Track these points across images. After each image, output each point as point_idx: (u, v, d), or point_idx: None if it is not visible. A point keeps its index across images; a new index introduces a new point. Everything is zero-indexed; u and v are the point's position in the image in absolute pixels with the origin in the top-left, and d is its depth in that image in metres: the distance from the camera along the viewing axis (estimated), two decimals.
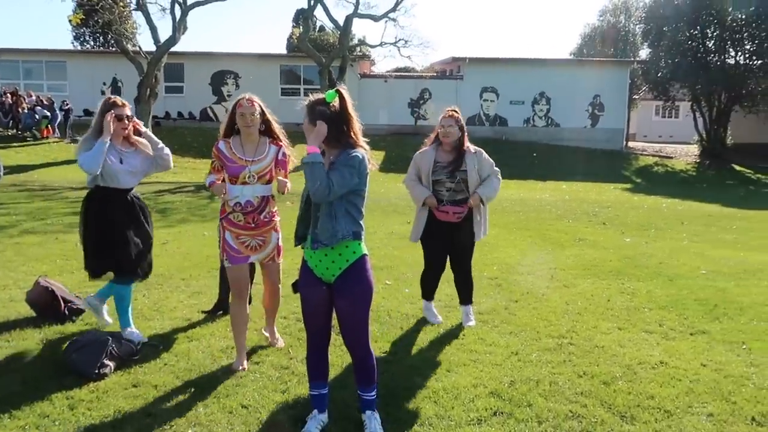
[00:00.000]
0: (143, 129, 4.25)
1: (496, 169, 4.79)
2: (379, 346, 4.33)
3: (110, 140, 4.01)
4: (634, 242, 9.07)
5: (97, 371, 3.63)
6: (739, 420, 3.29)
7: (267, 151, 3.87)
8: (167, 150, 4.27)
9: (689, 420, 3.27)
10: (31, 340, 4.26)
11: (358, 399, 3.07)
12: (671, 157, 27.75)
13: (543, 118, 28.01)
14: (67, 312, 4.69)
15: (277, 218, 3.96)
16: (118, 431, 3.03)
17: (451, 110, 4.65)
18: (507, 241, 8.67)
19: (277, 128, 3.94)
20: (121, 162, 4.10)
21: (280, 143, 3.92)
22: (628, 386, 3.69)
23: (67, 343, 3.86)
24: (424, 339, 4.51)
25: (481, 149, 4.77)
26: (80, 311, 4.81)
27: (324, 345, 3.06)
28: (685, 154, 28.48)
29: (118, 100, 4.10)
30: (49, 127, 21.76)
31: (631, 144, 30.65)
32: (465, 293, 4.89)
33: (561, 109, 27.71)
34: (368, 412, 3.02)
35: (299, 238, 3.03)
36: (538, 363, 4.02)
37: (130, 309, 4.36)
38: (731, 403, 3.49)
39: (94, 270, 4.27)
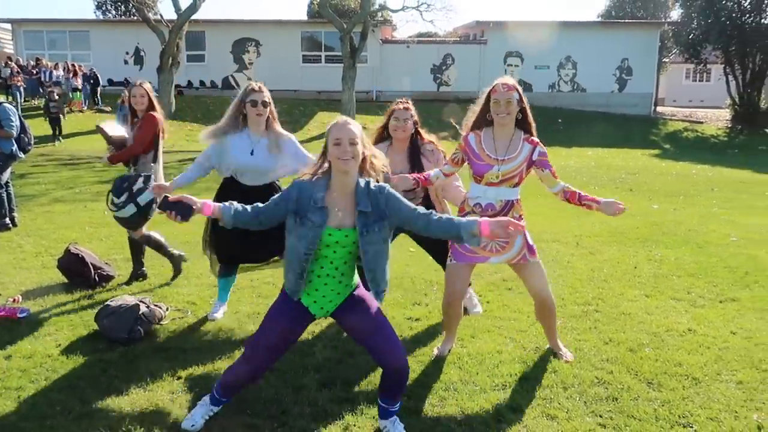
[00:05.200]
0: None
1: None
2: (402, 311, 4.35)
3: (246, 129, 3.86)
4: (662, 209, 8.90)
5: (127, 336, 3.71)
6: None
7: (521, 149, 3.32)
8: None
9: (717, 387, 3.24)
10: (64, 306, 4.37)
11: (379, 408, 2.78)
12: (701, 122, 27.02)
13: (569, 83, 27.41)
14: (97, 278, 4.79)
15: (523, 222, 3.37)
16: (149, 393, 3.11)
17: (403, 101, 3.94)
18: (531, 209, 8.54)
19: (531, 119, 3.38)
20: (252, 154, 3.84)
21: (537, 142, 3.36)
22: (655, 353, 3.65)
23: (99, 308, 3.94)
24: None
25: (433, 143, 3.98)
26: (110, 277, 4.91)
27: (257, 379, 2.83)
28: (716, 119, 27.68)
29: (255, 84, 3.87)
30: (79, 101, 21.59)
31: (659, 109, 29.91)
32: None
33: (587, 73, 27.06)
34: (390, 420, 2.75)
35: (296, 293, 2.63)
36: (563, 330, 4.00)
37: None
38: (761, 371, 3.44)
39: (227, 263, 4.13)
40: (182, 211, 2.52)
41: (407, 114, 3.87)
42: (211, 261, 4.24)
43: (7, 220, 6.84)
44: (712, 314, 4.35)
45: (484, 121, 3.37)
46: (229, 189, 3.95)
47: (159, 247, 4.98)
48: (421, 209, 2.60)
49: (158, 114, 4.73)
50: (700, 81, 36.32)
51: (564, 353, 3.60)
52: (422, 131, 3.99)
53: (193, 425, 2.74)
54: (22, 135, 6.72)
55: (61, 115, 16.71)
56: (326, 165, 2.56)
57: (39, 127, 17.11)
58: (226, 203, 2.64)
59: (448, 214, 3.98)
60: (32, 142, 7.00)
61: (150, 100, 4.73)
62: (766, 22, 25.98)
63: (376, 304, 2.68)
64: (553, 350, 3.63)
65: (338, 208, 2.52)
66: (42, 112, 17.30)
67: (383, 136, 3.99)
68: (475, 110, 3.42)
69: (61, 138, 16.78)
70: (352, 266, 2.66)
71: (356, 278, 2.71)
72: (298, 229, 2.51)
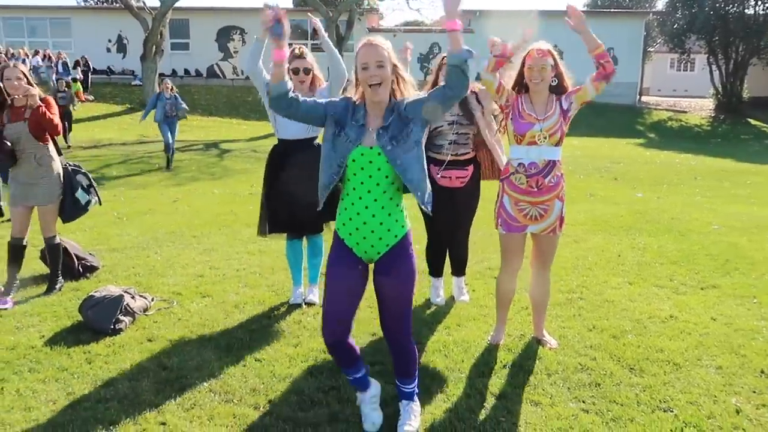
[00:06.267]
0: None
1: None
2: None
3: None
4: (646, 197, 9.00)
5: (112, 327, 3.69)
6: (748, 372, 3.30)
7: (555, 107, 3.37)
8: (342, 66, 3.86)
9: (698, 372, 3.30)
10: (47, 297, 4.33)
11: (397, 389, 2.78)
12: (685, 112, 27.27)
13: None
14: (80, 269, 4.75)
15: (563, 183, 3.46)
16: (134, 383, 3.10)
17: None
18: None
19: (570, 83, 3.45)
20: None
21: (562, 94, 3.41)
22: (638, 340, 3.71)
23: (83, 299, 3.91)
24: (443, 293, 4.53)
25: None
26: (94, 268, 4.87)
27: (346, 335, 2.62)
28: (700, 109, 27.95)
29: (297, 49, 3.86)
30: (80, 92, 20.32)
31: (644, 98, 30.10)
32: (458, 264, 4.41)
33: (573, 62, 26.50)
34: (404, 402, 2.74)
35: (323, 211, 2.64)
36: (547, 317, 4.02)
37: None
38: (740, 356, 3.51)
39: (266, 231, 4.09)
40: (276, 28, 2.42)
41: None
42: (261, 225, 4.15)
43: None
44: (693, 301, 4.42)
45: (521, 84, 3.41)
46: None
47: (56, 262, 4.52)
48: (427, 93, 2.55)
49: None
50: (684, 70, 36.59)
51: (548, 340, 3.64)
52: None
53: (373, 423, 2.71)
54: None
55: (71, 108, 14.72)
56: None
57: None
58: (289, 81, 2.61)
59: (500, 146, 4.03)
60: None
61: (29, 83, 4.26)
62: (749, 12, 26.23)
63: (415, 279, 2.60)
64: (538, 338, 3.67)
65: (372, 128, 2.52)
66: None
67: (433, 84, 4.02)
68: (511, 74, 3.46)
69: (69, 140, 14.64)
70: (393, 200, 2.55)
71: (404, 230, 2.59)
72: (336, 139, 2.52)
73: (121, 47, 26.68)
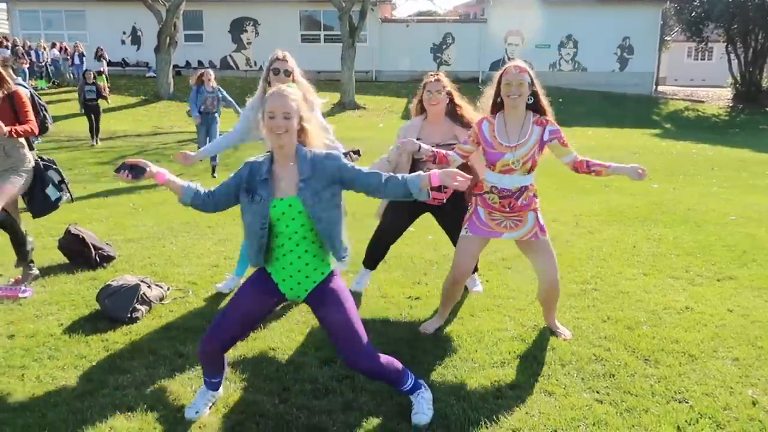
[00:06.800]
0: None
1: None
2: (403, 290, 4.38)
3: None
4: (661, 188, 8.91)
5: (129, 315, 3.74)
6: (765, 364, 3.27)
7: (532, 131, 3.26)
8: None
9: (714, 364, 3.27)
10: (65, 286, 4.39)
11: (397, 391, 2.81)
12: (703, 101, 26.88)
13: (569, 62, 27.19)
14: (98, 258, 4.81)
15: (536, 200, 3.42)
16: (151, 371, 3.15)
17: (434, 73, 3.92)
18: None
19: (546, 102, 3.34)
20: None
21: (547, 121, 3.28)
22: (653, 331, 3.68)
23: (100, 288, 3.97)
24: None
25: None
26: (110, 258, 4.93)
27: (226, 349, 2.68)
28: (718, 98, 27.53)
29: (280, 53, 3.83)
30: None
31: (661, 88, 29.73)
32: None
33: (588, 52, 26.84)
34: (416, 393, 2.75)
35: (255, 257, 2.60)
36: (561, 308, 4.02)
37: None
38: (757, 347, 3.48)
39: None
40: (134, 171, 2.56)
41: (439, 86, 3.83)
42: None
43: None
44: (709, 292, 4.38)
45: (496, 104, 3.34)
46: None
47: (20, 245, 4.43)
48: (369, 170, 2.59)
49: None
50: (701, 60, 36.06)
51: (562, 331, 3.63)
52: (462, 101, 3.94)
53: (197, 412, 2.74)
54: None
55: (101, 102, 13.27)
56: None
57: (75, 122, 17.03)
58: (192, 184, 2.65)
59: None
60: (50, 123, 6.54)
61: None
62: None
63: (351, 302, 2.62)
64: (551, 329, 3.66)
65: (281, 179, 2.53)
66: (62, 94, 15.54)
67: (418, 111, 3.99)
68: (489, 94, 3.39)
69: (99, 139, 13.21)
70: (316, 244, 2.58)
71: (330, 265, 2.64)
72: (251, 206, 2.53)
73: (136, 39, 26.81)
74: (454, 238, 4.00)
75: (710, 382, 3.07)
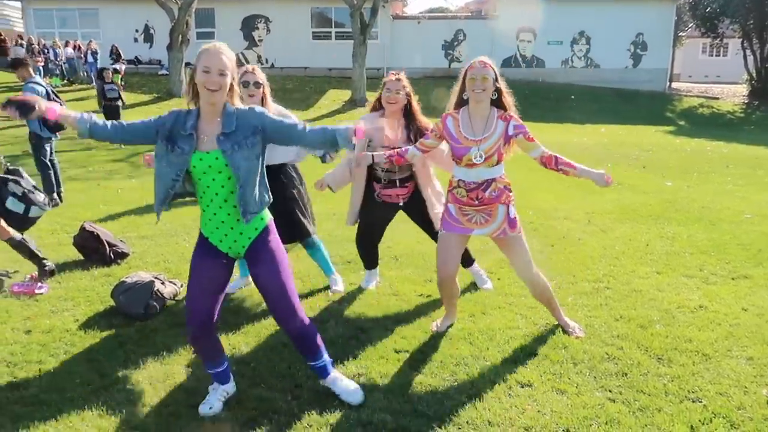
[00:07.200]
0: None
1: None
2: (415, 288, 4.38)
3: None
4: (675, 186, 8.83)
5: (143, 311, 3.78)
6: None
7: (496, 126, 3.27)
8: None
9: (728, 363, 3.25)
10: (80, 282, 4.44)
11: (312, 370, 2.88)
12: (717, 98, 26.59)
13: (582, 58, 27.02)
14: (112, 255, 4.86)
15: (508, 191, 3.39)
16: (165, 366, 3.18)
17: (395, 72, 3.99)
18: (543, 186, 8.54)
19: (510, 100, 3.34)
20: None
21: (511, 117, 3.29)
22: (666, 330, 3.66)
23: (115, 285, 4.01)
24: (459, 282, 4.53)
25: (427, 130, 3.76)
26: (125, 254, 4.98)
27: (212, 326, 2.69)
28: (733, 95, 27.22)
29: (250, 66, 3.87)
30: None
31: (675, 85, 29.45)
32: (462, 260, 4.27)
33: (601, 48, 26.65)
34: (329, 378, 2.85)
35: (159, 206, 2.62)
36: (573, 306, 4.01)
37: (328, 257, 4.36)
38: None
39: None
40: (22, 107, 2.46)
41: (398, 85, 3.88)
42: None
43: (56, 195, 7.13)
44: (723, 291, 4.34)
45: (461, 100, 3.36)
46: None
47: (24, 251, 4.42)
48: (295, 121, 2.62)
49: None
50: (716, 56, 35.64)
51: (573, 328, 3.62)
52: (417, 105, 4.00)
53: (210, 408, 2.76)
54: None
55: (121, 103, 13.04)
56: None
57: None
58: (86, 114, 2.60)
59: (438, 189, 4.03)
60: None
61: None
62: None
63: (286, 262, 2.67)
64: (562, 327, 3.65)
65: (206, 135, 2.54)
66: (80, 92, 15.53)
67: (376, 107, 4.04)
68: (455, 90, 3.42)
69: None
70: None
71: (264, 222, 2.67)
72: (169, 155, 2.53)
73: (148, 37, 26.99)
74: (430, 233, 4.11)
75: (724, 382, 3.05)
